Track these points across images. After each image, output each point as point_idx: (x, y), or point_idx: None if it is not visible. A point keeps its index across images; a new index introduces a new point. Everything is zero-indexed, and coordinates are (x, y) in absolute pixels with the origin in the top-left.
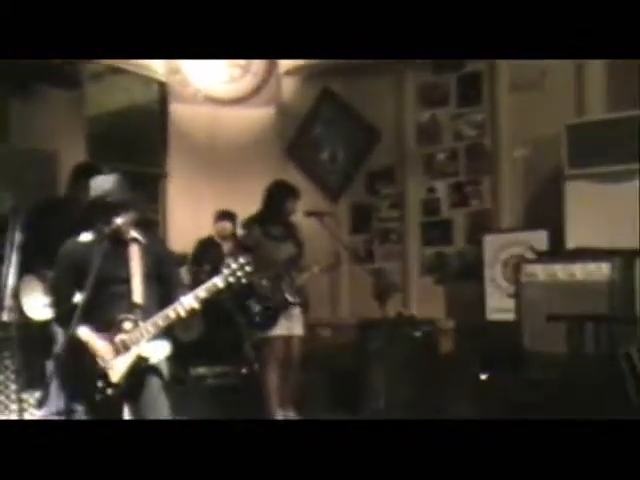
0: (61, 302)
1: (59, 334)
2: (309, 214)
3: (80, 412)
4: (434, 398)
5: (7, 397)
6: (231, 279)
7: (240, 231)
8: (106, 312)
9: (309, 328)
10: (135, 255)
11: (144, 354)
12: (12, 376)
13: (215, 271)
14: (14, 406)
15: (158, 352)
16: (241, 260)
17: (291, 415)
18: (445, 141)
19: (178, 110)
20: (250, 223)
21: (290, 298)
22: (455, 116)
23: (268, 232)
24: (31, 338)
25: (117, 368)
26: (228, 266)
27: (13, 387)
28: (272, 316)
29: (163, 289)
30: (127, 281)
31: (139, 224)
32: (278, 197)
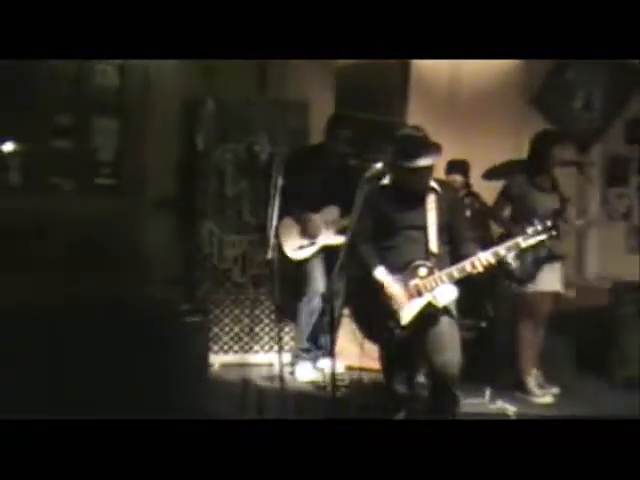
0: (361, 242)
1: (317, 272)
2: (565, 163)
3: (323, 351)
4: None
5: (262, 329)
6: (532, 240)
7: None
8: (400, 255)
9: None
10: (432, 204)
11: (434, 301)
12: (267, 311)
13: None
14: (267, 338)
15: (446, 296)
16: (548, 223)
17: (538, 375)
18: None
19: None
20: (514, 171)
21: (556, 252)
22: None
23: (533, 182)
24: (287, 277)
25: (408, 311)
26: (533, 225)
27: (266, 321)
28: (535, 271)
29: (454, 240)
30: (423, 228)
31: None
32: (545, 146)
